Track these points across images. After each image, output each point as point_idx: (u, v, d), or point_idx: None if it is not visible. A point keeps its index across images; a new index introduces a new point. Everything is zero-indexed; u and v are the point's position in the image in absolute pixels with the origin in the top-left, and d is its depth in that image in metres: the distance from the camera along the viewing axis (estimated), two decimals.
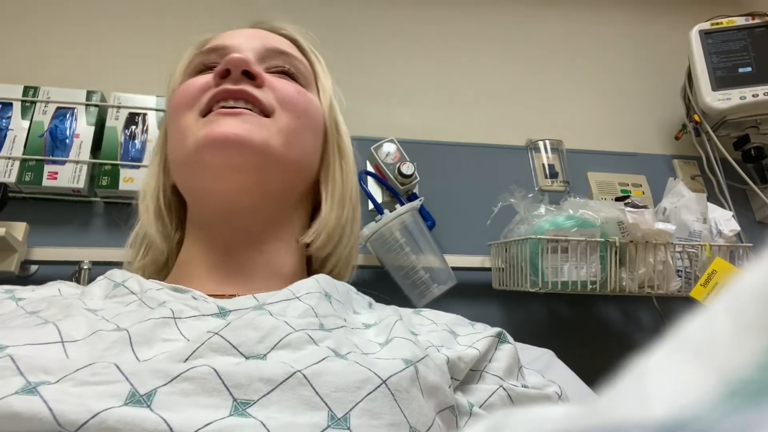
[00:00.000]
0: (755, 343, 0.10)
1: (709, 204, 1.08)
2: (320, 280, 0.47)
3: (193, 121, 0.50)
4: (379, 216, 0.99)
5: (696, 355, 0.11)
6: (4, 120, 1.04)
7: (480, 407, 0.40)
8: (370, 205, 1.09)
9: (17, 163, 1.00)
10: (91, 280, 0.88)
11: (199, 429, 0.28)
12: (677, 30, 1.40)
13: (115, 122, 1.08)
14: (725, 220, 1.06)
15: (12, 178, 0.99)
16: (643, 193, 1.31)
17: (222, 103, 0.50)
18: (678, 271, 0.97)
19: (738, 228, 1.06)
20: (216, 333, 0.35)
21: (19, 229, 0.91)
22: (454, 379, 0.41)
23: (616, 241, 0.92)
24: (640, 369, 0.11)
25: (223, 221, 0.52)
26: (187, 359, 0.33)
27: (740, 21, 1.28)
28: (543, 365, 0.78)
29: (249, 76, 0.51)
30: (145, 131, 1.09)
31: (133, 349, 0.35)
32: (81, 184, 1.01)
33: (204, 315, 0.39)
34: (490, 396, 0.41)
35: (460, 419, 0.39)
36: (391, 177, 1.11)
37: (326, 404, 0.31)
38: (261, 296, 0.42)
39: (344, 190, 0.58)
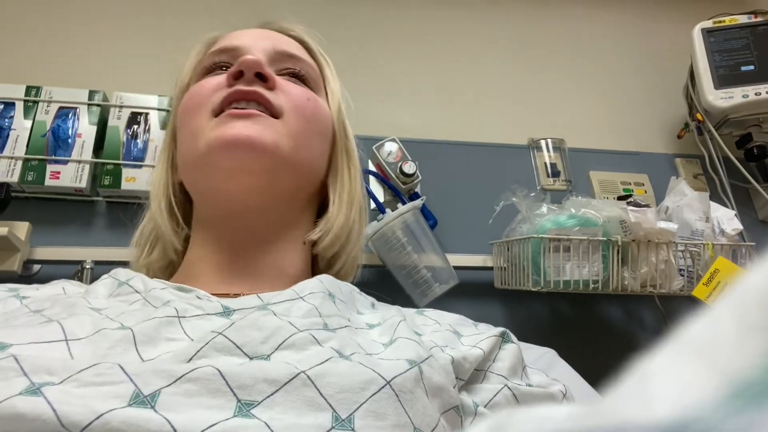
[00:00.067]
0: (759, 345, 0.10)
1: (711, 203, 1.07)
2: (324, 280, 0.47)
3: (205, 121, 0.50)
4: (380, 215, 0.99)
5: (699, 356, 0.11)
6: (6, 120, 1.04)
7: (485, 407, 0.40)
8: (372, 205, 1.09)
9: (20, 163, 1.01)
10: (93, 279, 0.88)
11: (204, 430, 0.28)
12: (679, 28, 1.40)
13: (117, 122, 1.08)
14: (728, 219, 1.06)
15: (14, 178, 0.99)
16: (646, 192, 1.30)
17: (234, 104, 0.50)
18: (680, 270, 0.97)
19: (740, 227, 1.06)
20: (220, 333, 0.35)
21: (22, 229, 0.92)
22: (459, 379, 0.41)
23: (619, 240, 0.92)
24: (643, 370, 0.11)
25: (231, 221, 0.52)
26: (191, 359, 0.33)
27: (743, 19, 1.28)
28: (545, 364, 0.78)
29: (261, 78, 0.51)
30: (147, 131, 1.09)
31: (137, 349, 0.35)
32: (83, 183, 1.02)
33: (208, 314, 0.39)
34: (495, 395, 0.41)
35: (465, 419, 0.39)
36: (393, 176, 1.11)
37: (330, 405, 0.31)
38: (265, 296, 0.42)
39: (352, 192, 0.58)
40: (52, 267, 0.98)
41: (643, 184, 1.32)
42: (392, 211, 0.99)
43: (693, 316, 0.12)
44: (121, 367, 0.30)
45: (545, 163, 1.31)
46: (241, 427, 0.29)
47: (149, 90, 1.12)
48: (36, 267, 1.00)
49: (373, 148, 1.12)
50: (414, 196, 1.13)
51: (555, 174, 1.30)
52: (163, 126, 1.09)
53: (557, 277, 0.91)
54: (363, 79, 1.30)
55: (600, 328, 1.19)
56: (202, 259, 0.52)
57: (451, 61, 1.42)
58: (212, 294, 0.44)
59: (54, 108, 1.07)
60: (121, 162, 1.04)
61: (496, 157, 1.30)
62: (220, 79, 0.52)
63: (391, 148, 1.13)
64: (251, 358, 0.34)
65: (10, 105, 1.06)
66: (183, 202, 0.58)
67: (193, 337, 0.37)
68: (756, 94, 1.19)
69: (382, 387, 0.33)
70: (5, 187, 0.92)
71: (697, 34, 1.28)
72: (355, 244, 0.59)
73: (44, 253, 0.96)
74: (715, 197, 1.19)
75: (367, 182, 1.13)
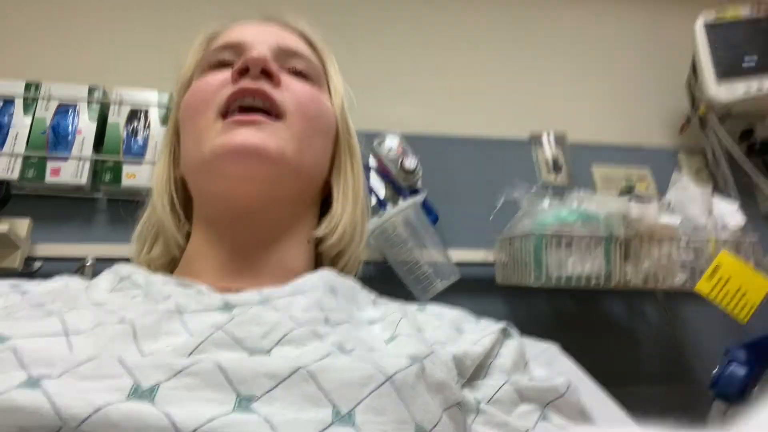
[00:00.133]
0: None
1: (714, 197, 1.07)
2: (325, 275, 0.47)
3: (211, 122, 0.50)
4: (381, 211, 0.99)
5: None
6: (6, 116, 1.04)
7: (487, 403, 0.40)
8: (373, 200, 1.08)
9: (20, 160, 1.01)
10: (95, 276, 0.88)
11: (203, 424, 0.28)
12: (682, 22, 1.39)
13: (117, 118, 1.08)
14: (730, 214, 1.05)
15: (15, 175, 0.99)
16: (648, 187, 1.30)
17: (239, 101, 0.49)
18: (683, 265, 0.96)
19: (743, 221, 1.05)
20: (220, 328, 0.35)
21: (23, 226, 0.92)
22: (461, 376, 0.41)
23: (621, 235, 0.92)
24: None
25: (234, 222, 0.52)
26: (190, 354, 0.33)
27: (745, 12, 1.27)
28: (547, 360, 0.78)
29: (266, 74, 0.51)
30: (147, 127, 1.08)
31: (137, 343, 0.34)
32: (84, 180, 1.01)
33: (209, 309, 0.39)
34: (497, 391, 0.41)
35: (468, 416, 0.39)
36: (394, 171, 1.11)
37: (331, 400, 0.31)
38: (266, 291, 0.42)
39: (355, 188, 0.58)
40: (53, 264, 0.98)
41: (646, 179, 1.31)
42: (393, 206, 0.98)
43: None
44: (121, 361, 0.30)
45: (547, 158, 1.31)
46: (241, 421, 0.29)
47: (149, 85, 1.11)
48: (37, 264, 1.00)
49: (374, 143, 1.12)
50: (415, 192, 1.13)
51: (557, 168, 1.30)
52: (164, 122, 1.09)
53: (559, 272, 0.90)
54: (364, 74, 1.29)
55: (602, 324, 1.19)
56: (204, 255, 0.52)
57: (453, 55, 1.41)
58: (213, 289, 0.44)
59: (54, 104, 1.06)
60: (121, 158, 1.04)
61: (498, 151, 1.30)
62: (224, 75, 0.52)
63: (391, 143, 1.12)
64: (251, 353, 0.34)
65: (9, 102, 1.05)
66: (185, 198, 0.58)
67: (194, 331, 0.37)
68: (759, 87, 1.19)
69: (383, 383, 0.33)
70: (5, 184, 0.92)
71: (699, 27, 1.28)
72: (359, 242, 0.59)
73: (45, 250, 0.96)
74: (717, 191, 1.19)
75: (367, 177, 1.13)
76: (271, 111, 0.50)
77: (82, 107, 1.07)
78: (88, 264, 0.94)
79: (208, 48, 0.58)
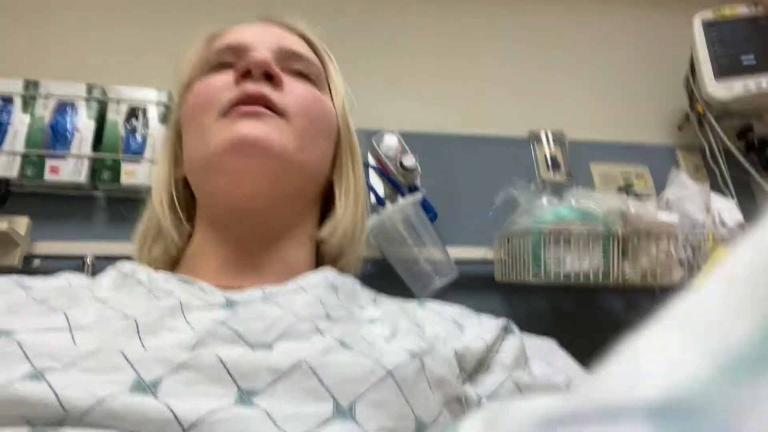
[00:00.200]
0: (747, 319, 0.10)
1: (712, 194, 1.07)
2: (327, 273, 0.47)
3: (213, 121, 0.50)
4: (380, 208, 0.99)
5: (689, 332, 0.11)
6: (4, 114, 1.04)
7: (488, 398, 0.40)
8: (372, 198, 1.09)
9: (19, 158, 1.01)
10: (94, 274, 0.88)
11: (204, 417, 0.28)
12: (680, 19, 1.39)
13: (115, 116, 1.08)
14: (728, 210, 1.06)
15: (14, 173, 0.99)
16: (646, 184, 1.30)
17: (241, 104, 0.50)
18: (681, 261, 0.97)
19: (741, 218, 1.06)
20: (222, 323, 0.35)
21: (22, 224, 0.92)
22: (462, 371, 0.41)
23: (619, 232, 0.92)
24: (631, 349, 0.11)
25: (236, 221, 0.52)
26: (193, 348, 0.34)
27: (743, 10, 1.27)
28: (545, 355, 0.78)
29: (268, 76, 0.51)
30: (145, 125, 1.08)
31: (139, 337, 0.35)
32: (82, 178, 1.01)
33: (211, 306, 0.40)
34: (498, 387, 0.42)
35: (469, 410, 0.39)
36: (393, 169, 1.11)
37: (331, 395, 0.31)
38: (268, 288, 0.43)
39: (357, 189, 0.59)
40: (52, 262, 0.98)
41: (644, 176, 1.32)
42: (392, 204, 0.98)
43: (680, 296, 0.12)
44: (123, 355, 0.31)
45: (545, 156, 1.31)
46: (242, 415, 0.29)
47: (148, 83, 1.11)
48: (36, 262, 1.00)
49: (373, 141, 1.12)
50: (414, 190, 1.13)
51: (555, 166, 1.30)
52: (162, 120, 1.09)
53: (557, 269, 0.91)
54: (363, 72, 1.29)
55: (600, 321, 1.19)
56: (206, 253, 0.52)
57: (452, 53, 1.41)
58: (216, 287, 0.44)
59: (52, 103, 1.06)
60: (120, 156, 1.04)
61: (497, 149, 1.30)
62: (226, 77, 0.52)
63: (390, 141, 1.12)
64: (253, 348, 0.35)
65: (8, 100, 1.05)
66: (185, 198, 0.58)
67: (196, 327, 0.37)
68: (756, 85, 1.19)
69: (383, 377, 0.33)
70: (4, 182, 0.92)
71: (697, 25, 1.28)
72: (360, 241, 0.60)
73: (44, 247, 0.96)
74: (715, 189, 1.19)
75: (366, 175, 1.13)
76: (274, 110, 0.50)
77: (81, 105, 1.07)
78: (87, 262, 0.94)
79: (209, 49, 0.58)
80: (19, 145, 1.01)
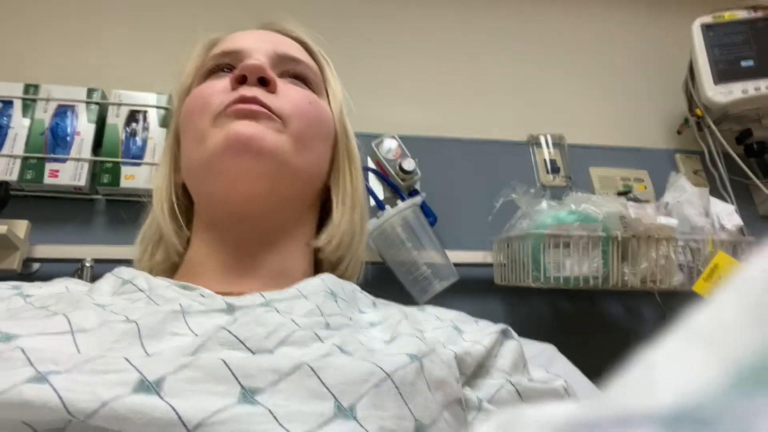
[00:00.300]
0: (762, 331, 0.10)
1: (711, 198, 1.07)
2: (326, 279, 0.47)
3: (209, 125, 0.50)
4: (380, 212, 0.99)
5: (704, 343, 0.11)
6: (4, 118, 1.04)
7: (489, 402, 0.41)
8: (372, 201, 1.09)
9: (18, 162, 1.01)
10: (94, 277, 0.88)
11: (208, 416, 0.28)
12: (679, 23, 1.39)
13: (115, 120, 1.08)
14: (727, 215, 1.06)
15: (13, 176, 0.99)
16: (645, 188, 1.30)
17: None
18: (680, 265, 0.97)
19: (740, 222, 1.06)
20: (224, 328, 0.35)
21: (21, 227, 0.92)
22: (462, 374, 0.41)
23: (618, 235, 0.92)
24: (647, 359, 0.11)
25: (234, 225, 0.52)
26: (195, 352, 0.34)
27: (742, 14, 1.27)
28: (545, 360, 0.78)
29: (263, 82, 0.51)
30: (145, 128, 1.09)
31: (142, 342, 0.35)
32: (82, 181, 1.01)
33: (212, 311, 0.40)
34: (498, 391, 0.42)
35: (469, 413, 0.39)
36: (393, 173, 1.11)
37: (333, 395, 0.32)
38: (268, 294, 0.43)
39: (354, 194, 0.59)
40: (51, 265, 0.98)
41: (643, 180, 1.32)
42: (392, 207, 0.98)
43: (696, 307, 0.12)
44: (127, 359, 0.31)
45: (545, 160, 1.31)
46: (246, 413, 0.29)
47: (148, 87, 1.11)
48: (36, 265, 1.00)
49: (372, 144, 1.12)
50: (413, 193, 1.13)
51: (554, 170, 1.30)
52: (162, 123, 1.09)
53: (557, 273, 0.91)
54: (362, 76, 1.30)
55: (600, 325, 1.19)
56: (206, 259, 0.52)
57: (451, 57, 1.41)
58: (215, 292, 0.44)
59: (52, 106, 1.06)
60: (120, 160, 1.04)
61: (496, 153, 1.30)
62: (223, 83, 0.52)
63: (390, 145, 1.12)
64: (254, 353, 0.35)
65: (8, 103, 1.05)
66: (185, 204, 0.58)
67: (197, 332, 0.37)
68: (756, 89, 1.19)
69: (383, 379, 0.33)
70: (4, 185, 0.92)
71: (696, 29, 1.28)
72: (359, 246, 0.60)
73: (44, 251, 0.95)
74: (715, 193, 1.19)
75: (366, 179, 1.13)
76: (270, 113, 0.50)
77: (81, 109, 1.07)
78: (87, 265, 0.94)
79: (208, 55, 0.59)
80: (19, 149, 1.02)
